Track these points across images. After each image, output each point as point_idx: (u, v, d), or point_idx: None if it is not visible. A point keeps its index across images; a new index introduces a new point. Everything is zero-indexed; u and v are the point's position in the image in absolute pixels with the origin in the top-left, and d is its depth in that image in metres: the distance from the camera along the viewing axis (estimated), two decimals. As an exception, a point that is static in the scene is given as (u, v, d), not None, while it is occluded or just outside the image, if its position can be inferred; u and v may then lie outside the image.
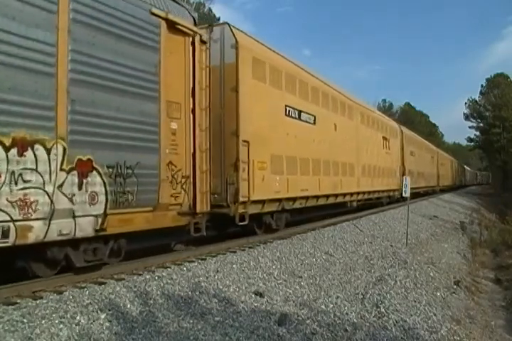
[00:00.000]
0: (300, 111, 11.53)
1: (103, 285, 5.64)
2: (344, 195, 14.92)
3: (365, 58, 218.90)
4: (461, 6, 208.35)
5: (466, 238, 18.57)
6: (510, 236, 18.65)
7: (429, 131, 72.70)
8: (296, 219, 12.80)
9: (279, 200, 10.40)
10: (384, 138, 20.49)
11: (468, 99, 60.51)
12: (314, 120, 12.43)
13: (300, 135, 11.39)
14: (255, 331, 5.51)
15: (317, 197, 12.60)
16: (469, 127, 62.29)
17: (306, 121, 11.98)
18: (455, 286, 10.65)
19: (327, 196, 13.37)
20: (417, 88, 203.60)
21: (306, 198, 11.90)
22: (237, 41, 8.89)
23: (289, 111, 10.93)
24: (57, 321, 4.46)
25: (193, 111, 7.66)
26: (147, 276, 6.22)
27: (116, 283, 5.80)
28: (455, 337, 7.36)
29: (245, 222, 8.89)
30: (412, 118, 70.46)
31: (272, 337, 5.54)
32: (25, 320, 4.37)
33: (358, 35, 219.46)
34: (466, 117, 61.44)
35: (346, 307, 7.21)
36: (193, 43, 7.72)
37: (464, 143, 78.23)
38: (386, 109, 71.19)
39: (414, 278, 9.80)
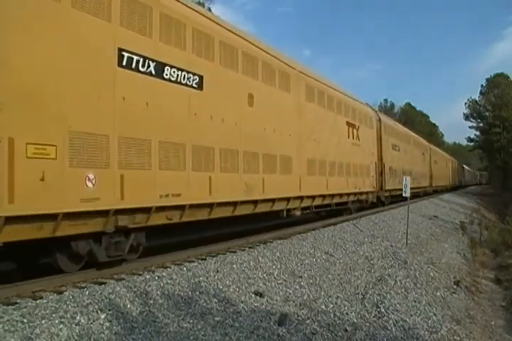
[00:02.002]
0: (162, 64, 7.10)
1: (103, 285, 5.64)
2: (272, 201, 10.33)
3: (366, 58, 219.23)
4: (461, 6, 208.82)
5: (466, 238, 18.58)
6: (510, 236, 18.67)
7: (429, 131, 72.80)
8: (172, 241, 9.22)
9: (105, 213, 6.12)
10: (349, 124, 15.60)
11: (468, 99, 60.54)
12: (200, 83, 7.93)
13: (158, 103, 6.99)
14: (255, 331, 5.52)
15: (210, 205, 8.23)
16: (469, 127, 62.35)
17: (179, 82, 7.47)
18: (455, 286, 10.66)
19: (234, 203, 8.87)
20: (417, 88, 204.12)
21: (182, 208, 7.51)
22: None
23: (129, 59, 6.51)
24: (57, 321, 4.46)
25: None
26: (147, 276, 6.21)
27: (116, 283, 5.80)
28: (455, 337, 7.39)
29: None
30: (412, 118, 70.68)
31: (272, 337, 5.54)
32: (25, 320, 4.37)
33: (358, 35, 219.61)
34: (466, 117, 61.44)
35: (346, 307, 7.22)
36: None
37: (464, 143, 78.34)
38: (388, 108, 71.45)
39: (414, 278, 9.81)
